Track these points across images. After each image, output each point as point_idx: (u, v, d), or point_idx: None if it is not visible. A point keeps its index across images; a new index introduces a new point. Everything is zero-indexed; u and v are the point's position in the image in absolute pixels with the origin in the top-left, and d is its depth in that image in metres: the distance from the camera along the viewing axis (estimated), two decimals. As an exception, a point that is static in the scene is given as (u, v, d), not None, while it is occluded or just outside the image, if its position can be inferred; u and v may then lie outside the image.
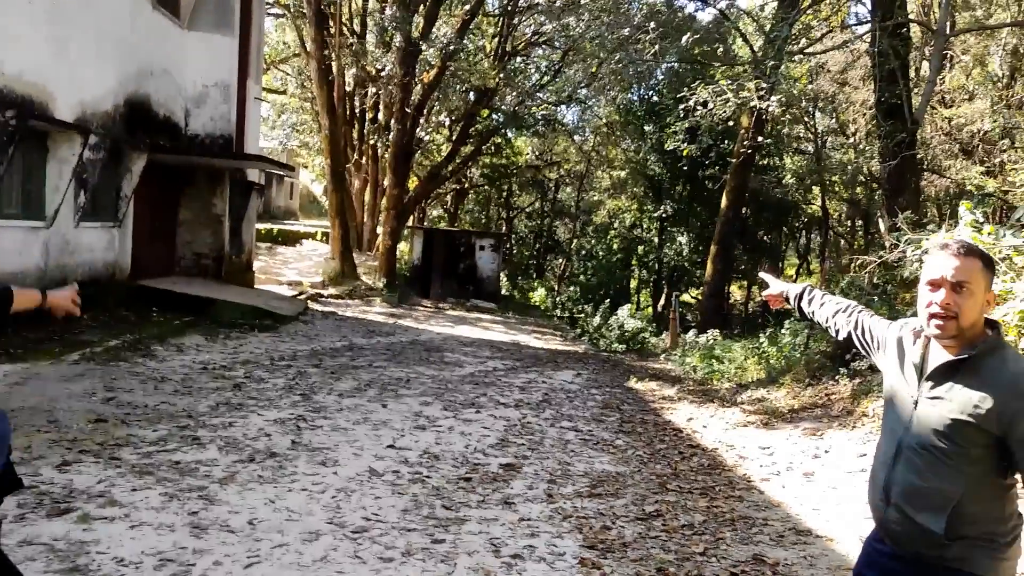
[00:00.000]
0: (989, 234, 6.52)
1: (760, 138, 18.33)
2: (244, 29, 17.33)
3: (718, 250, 22.36)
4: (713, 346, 14.64)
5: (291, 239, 29.45)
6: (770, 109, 12.59)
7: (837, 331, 2.75)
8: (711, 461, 6.85)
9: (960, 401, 2.14)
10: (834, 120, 32.83)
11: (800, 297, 2.94)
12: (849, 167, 26.26)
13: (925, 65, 20.87)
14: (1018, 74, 25.20)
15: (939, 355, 2.24)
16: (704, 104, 12.64)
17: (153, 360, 9.50)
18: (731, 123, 14.34)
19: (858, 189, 33.66)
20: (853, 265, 12.03)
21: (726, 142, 26.23)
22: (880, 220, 34.25)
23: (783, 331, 11.73)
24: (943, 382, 2.20)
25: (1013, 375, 2.10)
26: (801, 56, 18.88)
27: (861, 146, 30.98)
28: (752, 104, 12.73)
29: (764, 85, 12.46)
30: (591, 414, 8.78)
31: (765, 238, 35.83)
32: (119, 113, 12.99)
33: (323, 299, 18.66)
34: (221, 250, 16.58)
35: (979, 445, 2.12)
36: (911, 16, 15.32)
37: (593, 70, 23.74)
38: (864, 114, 27.13)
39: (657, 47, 14.36)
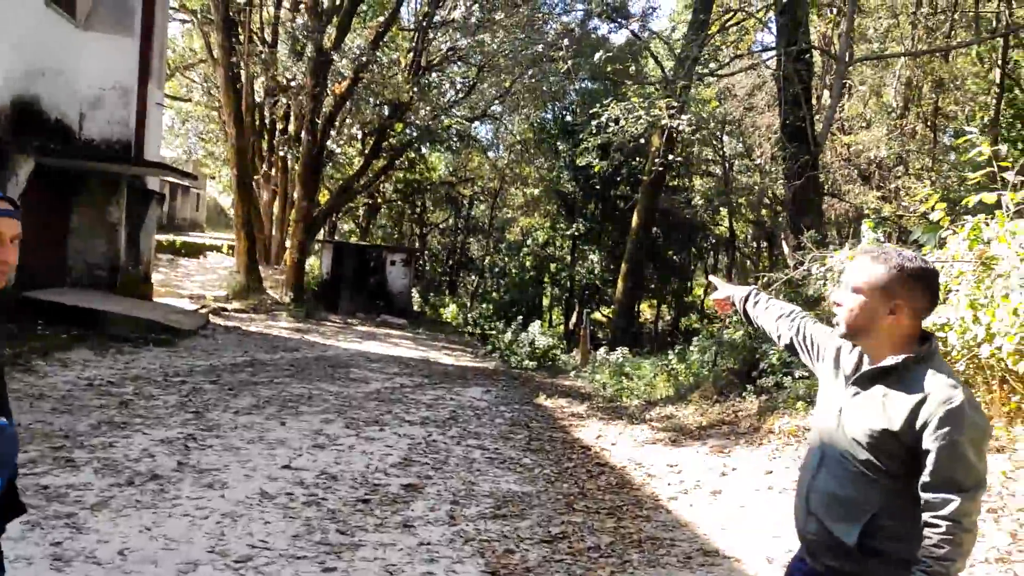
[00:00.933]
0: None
1: (671, 157, 18.55)
2: (146, 31, 16.61)
3: (629, 268, 22.53)
4: (623, 363, 14.63)
5: (195, 251, 28.43)
6: (680, 128, 12.72)
7: (779, 336, 2.64)
8: (619, 480, 6.71)
9: (878, 408, 2.06)
10: (740, 144, 33.72)
11: (746, 300, 2.81)
12: (756, 189, 26.84)
13: (826, 93, 21.58)
14: (912, 104, 26.35)
15: (869, 364, 2.16)
16: (616, 121, 12.68)
17: (33, 376, 8.87)
18: (642, 141, 14.47)
19: (763, 211, 34.61)
20: (759, 283, 12.19)
21: (637, 159, 26.54)
22: (783, 241, 35.24)
23: (691, 348, 11.79)
24: (867, 388, 2.13)
25: (932, 384, 2.00)
26: (711, 78, 19.27)
27: (767, 168, 31.87)
28: (663, 123, 12.85)
29: (675, 104, 12.58)
30: (499, 432, 8.57)
31: (674, 257, 36.45)
32: (4, 115, 12.23)
33: (226, 313, 17.97)
34: (116, 260, 15.78)
35: (895, 456, 2.03)
36: (814, 44, 15.77)
37: (508, 85, 23.72)
38: (769, 138, 27.87)
39: (571, 63, 14.39)
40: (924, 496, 1.98)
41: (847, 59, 14.10)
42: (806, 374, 7.78)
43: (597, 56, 15.56)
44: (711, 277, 3.38)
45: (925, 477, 1.97)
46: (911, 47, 22.30)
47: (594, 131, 14.40)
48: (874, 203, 25.61)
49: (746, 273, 41.86)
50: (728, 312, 3.04)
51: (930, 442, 1.95)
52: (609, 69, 19.81)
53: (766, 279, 9.38)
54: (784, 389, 7.86)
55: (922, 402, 1.99)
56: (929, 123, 25.50)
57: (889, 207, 25.48)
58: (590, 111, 15.10)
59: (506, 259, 37.24)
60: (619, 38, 33.32)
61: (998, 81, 23.30)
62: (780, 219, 34.54)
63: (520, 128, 32.12)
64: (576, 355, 19.36)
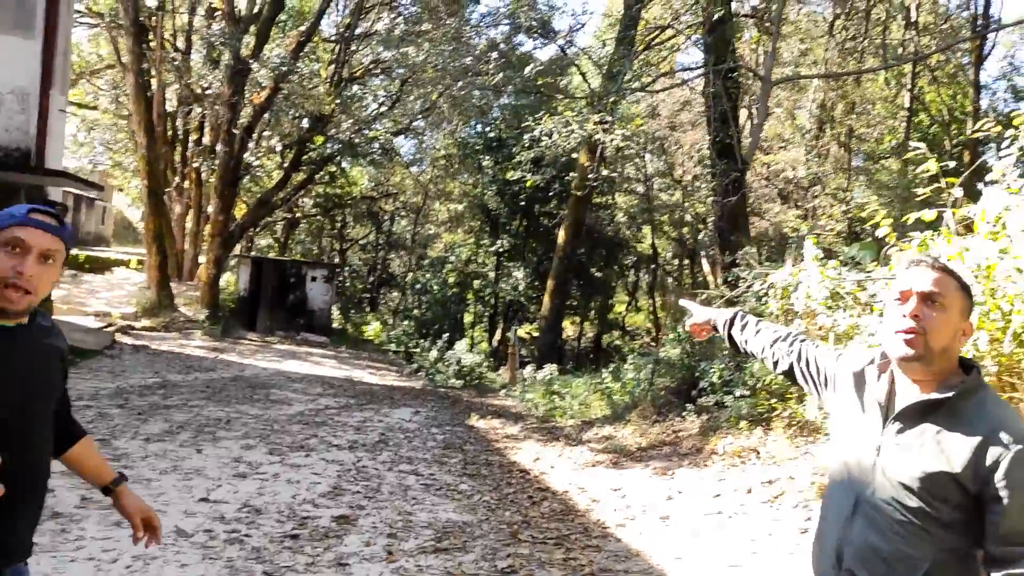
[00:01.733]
0: (834, 268, 6.48)
1: (604, 171, 18.48)
2: (49, 33, 15.66)
3: (555, 285, 22.36)
4: (552, 381, 14.36)
5: (101, 266, 27.06)
6: (613, 143, 12.61)
7: (776, 363, 2.35)
8: (563, 505, 6.39)
9: (934, 448, 1.75)
10: (662, 162, 34.14)
11: (730, 324, 2.53)
12: (680, 206, 27.13)
13: (747, 112, 21.91)
14: (826, 125, 27.07)
15: (909, 394, 1.85)
16: (549, 135, 12.48)
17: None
18: (574, 155, 14.33)
19: (684, 229, 35.09)
20: (697, 300, 12.12)
21: (565, 175, 26.52)
22: (704, 259, 35.79)
23: (627, 366, 11.60)
24: (914, 425, 1.81)
25: (994, 421, 1.72)
26: (639, 94, 19.32)
27: (689, 187, 32.34)
28: (596, 137, 12.72)
29: (608, 118, 12.47)
30: (432, 455, 8.16)
31: (598, 274, 36.55)
32: None
33: (135, 332, 17.03)
34: (13, 276, 14.77)
35: (953, 504, 1.73)
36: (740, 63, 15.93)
37: (434, 97, 23.36)
38: (692, 156, 28.29)
39: (501, 76, 14.16)
40: (991, 550, 1.70)
41: (771, 79, 14.24)
42: (746, 392, 7.63)
43: (528, 69, 15.38)
44: (683, 301, 3.08)
45: (993, 528, 1.68)
46: (824, 71, 22.90)
47: (527, 144, 14.17)
48: (793, 221, 26.19)
49: (668, 290, 42.37)
50: (704, 337, 2.77)
51: (1000, 487, 1.67)
52: (540, 83, 19.65)
53: (705, 296, 9.23)
54: (725, 408, 7.69)
55: (988, 440, 1.70)
56: (843, 144, 26.19)
57: (807, 225, 26.05)
58: (522, 124, 14.91)
59: (428, 276, 36.75)
60: (543, 55, 33.29)
61: (907, 105, 24.09)
62: (701, 236, 35.13)
63: (444, 143, 31.77)
64: (503, 373, 19.04)
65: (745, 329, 2.47)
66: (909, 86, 23.17)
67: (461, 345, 20.81)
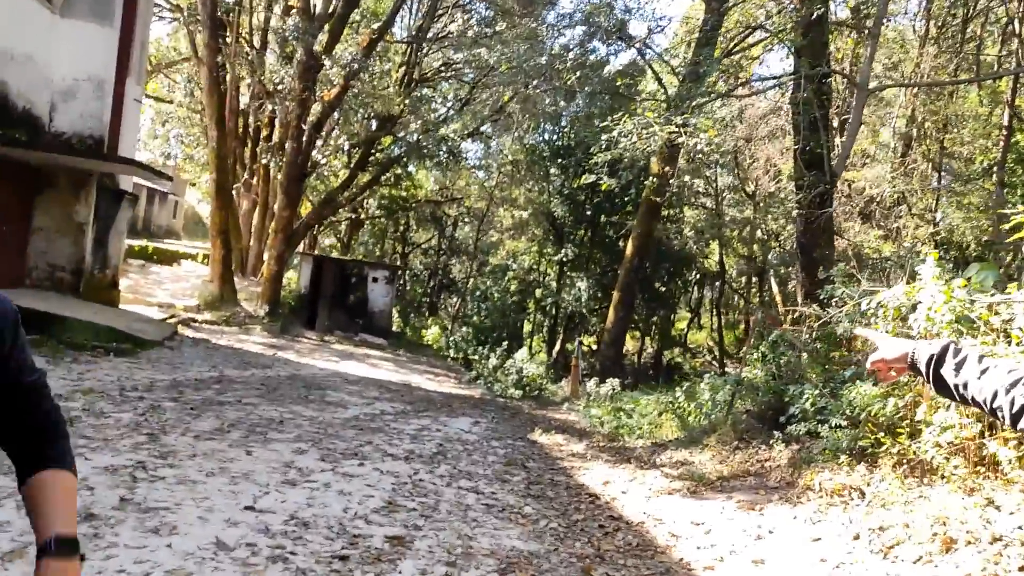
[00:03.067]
0: (961, 288, 5.73)
1: (678, 181, 17.75)
2: (127, 22, 15.66)
3: (621, 297, 21.65)
4: (619, 398, 13.69)
5: (168, 258, 27.26)
6: (698, 148, 11.94)
7: (1019, 415, 1.64)
8: (639, 539, 5.75)
9: None
10: (733, 175, 33.20)
11: (939, 361, 1.83)
12: (756, 221, 26.19)
13: (836, 122, 20.91)
14: (916, 141, 25.83)
15: None
16: (629, 135, 11.86)
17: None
18: (646, 164, 13.69)
19: (755, 246, 34.04)
20: (788, 318, 11.36)
21: (638, 184, 25.77)
22: (772, 278, 34.65)
23: (702, 386, 10.86)
24: None
25: None
26: (717, 103, 18.53)
27: (761, 204, 31.31)
28: (680, 140, 12.07)
29: (692, 121, 11.81)
30: (493, 472, 7.59)
31: (661, 289, 35.67)
32: (-36, 100, 11.24)
33: (196, 324, 16.89)
34: (81, 263, 14.74)
35: None
36: (834, 69, 15.07)
37: (505, 99, 22.93)
38: (768, 171, 27.33)
39: (577, 75, 13.62)
40: None
41: (868, 87, 13.38)
42: (843, 422, 6.90)
43: (607, 69, 14.78)
44: (861, 330, 2.41)
45: None
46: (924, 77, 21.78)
47: (604, 146, 13.57)
48: (874, 242, 25.04)
49: (733, 308, 41.23)
50: (892, 379, 2.06)
51: None
52: (619, 83, 19.00)
53: (796, 314, 8.50)
54: (820, 439, 6.95)
55: None
56: (932, 162, 24.95)
57: (889, 246, 24.88)
58: (598, 127, 14.31)
59: (489, 283, 36.34)
60: (619, 61, 32.61)
61: (1006, 123, 22.77)
62: (772, 255, 34.06)
63: (512, 149, 31.35)
64: (565, 386, 18.39)
65: (964, 368, 1.78)
66: (1009, 100, 21.85)
67: (521, 354, 20.27)
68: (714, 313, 45.76)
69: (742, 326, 41.71)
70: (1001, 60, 23.61)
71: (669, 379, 30.78)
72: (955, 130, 25.53)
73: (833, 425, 6.93)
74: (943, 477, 5.59)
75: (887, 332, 6.28)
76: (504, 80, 20.99)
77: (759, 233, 34.21)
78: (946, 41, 23.17)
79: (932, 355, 1.84)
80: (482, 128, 27.83)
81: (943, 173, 25.25)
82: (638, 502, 6.79)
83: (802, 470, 6.69)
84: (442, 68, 26.82)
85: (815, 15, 13.21)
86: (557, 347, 33.13)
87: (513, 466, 8.00)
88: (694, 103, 12.89)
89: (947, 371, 1.80)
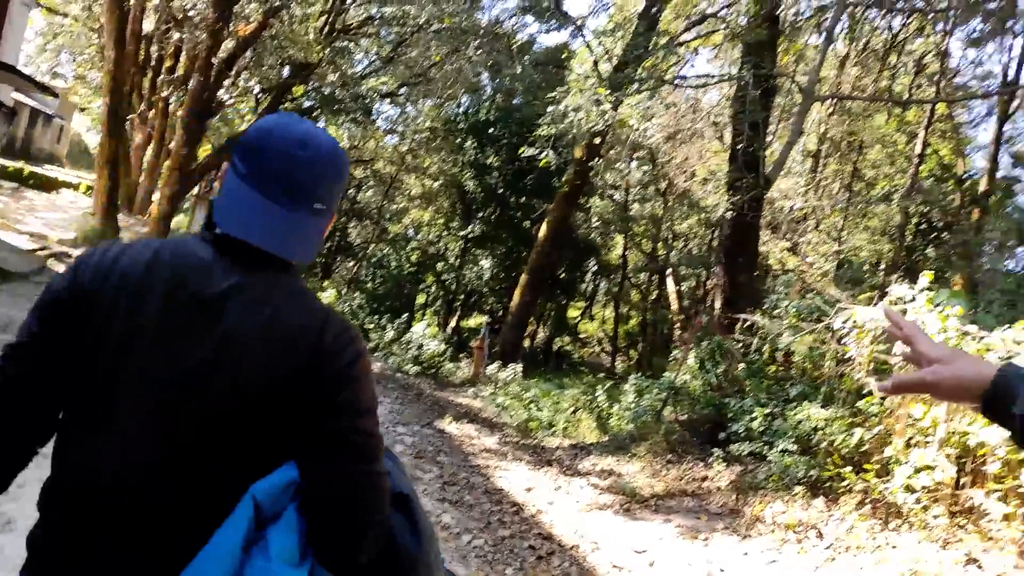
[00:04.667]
0: (956, 317, 5.17)
1: (595, 168, 17.10)
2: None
3: (529, 280, 20.96)
4: (525, 385, 12.95)
5: (47, 185, 24.88)
6: (647, 133, 11.31)
7: None
8: (578, 568, 5.00)
9: None
10: (645, 172, 33.05)
11: (1006, 390, 1.00)
12: (674, 219, 26.02)
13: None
14: (828, 159, 26.12)
15: None
16: (577, 110, 11.08)
17: None
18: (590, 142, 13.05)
19: (659, 244, 34.08)
20: (718, 324, 10.79)
21: (555, 166, 25.10)
22: (669, 278, 34.84)
23: (627, 387, 10.19)
24: None
25: None
26: (649, 93, 17.97)
27: (671, 203, 31.28)
28: (632, 122, 11.40)
29: (648, 103, 11.15)
30: (404, 464, 6.70)
31: (562, 275, 35.31)
32: None
33: (70, 260, 15.18)
34: (-64, 177, 12.94)
35: None
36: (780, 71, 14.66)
37: (437, 58, 21.81)
38: (685, 170, 27.14)
39: (517, 44, 12.75)
40: None
41: (813, 93, 13.03)
42: (792, 447, 6.34)
43: (538, 44, 13.90)
44: (892, 314, 1.25)
45: None
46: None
47: (549, 121, 12.76)
48: (780, 254, 25.19)
49: (631, 304, 41.31)
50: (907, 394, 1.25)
51: None
52: (549, 61, 18.21)
53: (743, 323, 7.93)
54: (767, 463, 6.37)
55: None
56: (842, 181, 25.27)
57: (794, 260, 25.10)
58: (547, 96, 13.50)
59: (388, 250, 35.14)
60: (550, 40, 31.70)
61: (918, 151, 23.18)
62: (672, 255, 34.18)
63: (429, 115, 30.20)
64: (464, 366, 17.56)
65: None
66: (925, 128, 22.25)
67: (421, 328, 19.30)
68: (611, 305, 45.96)
69: (634, 321, 42.04)
70: (912, 90, 24.06)
71: (559, 367, 30.50)
72: (867, 152, 25.97)
73: (781, 450, 6.35)
74: (916, 525, 5.04)
75: (862, 357, 5.74)
76: (440, 39, 19.88)
77: (664, 231, 34.27)
78: (867, 65, 23.34)
79: (998, 382, 1.00)
80: (400, 91, 26.58)
81: (855, 194, 25.59)
82: (568, 517, 6.03)
83: (748, 496, 6.08)
84: (367, 21, 25.38)
85: (768, 12, 12.75)
86: (452, 324, 32.29)
87: (424, 460, 7.13)
88: (632, 88, 12.27)
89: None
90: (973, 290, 18.83)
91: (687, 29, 17.68)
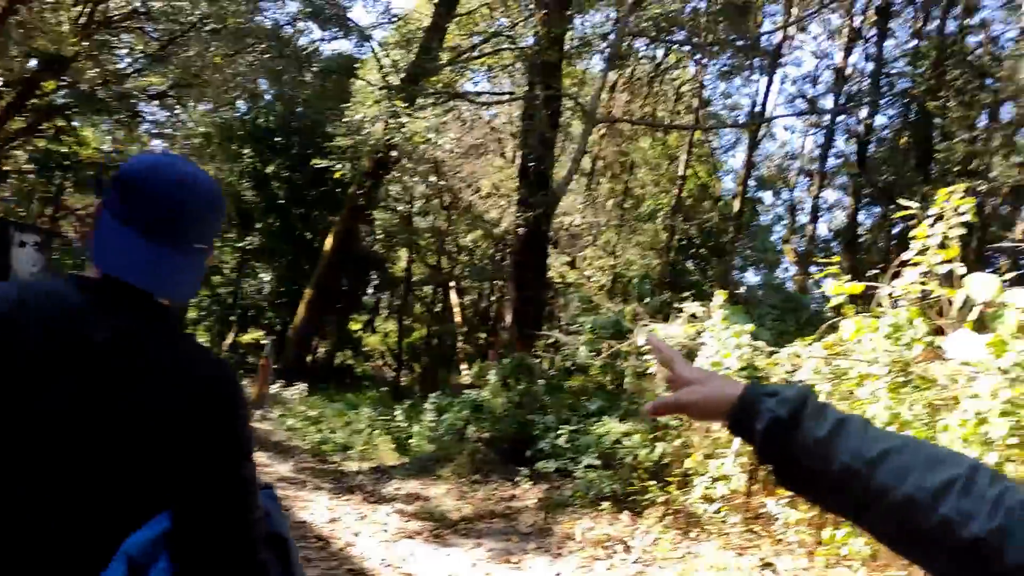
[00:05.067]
0: (749, 333, 5.51)
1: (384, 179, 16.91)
2: None
3: (315, 295, 20.34)
4: (317, 407, 12.46)
5: None
6: (444, 146, 11.27)
7: (939, 539, 0.82)
8: (395, 603, 4.79)
9: None
10: (428, 186, 33.26)
11: (750, 407, 1.02)
12: (457, 233, 26.24)
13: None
14: (601, 178, 27.52)
15: None
16: (372, 121, 10.86)
17: None
18: (379, 155, 12.85)
19: (443, 258, 34.39)
20: (516, 340, 10.88)
21: (329, 184, 24.59)
22: (453, 291, 35.19)
23: (427, 405, 9.98)
24: None
25: None
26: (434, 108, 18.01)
27: (454, 216, 31.65)
28: (423, 136, 11.32)
29: (438, 117, 11.13)
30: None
31: (345, 288, 34.65)
32: None
33: None
34: None
35: None
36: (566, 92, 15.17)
37: (218, 60, 20.65)
38: (470, 184, 27.54)
39: (309, 46, 12.34)
40: None
41: (596, 116, 13.63)
42: (596, 462, 6.50)
43: (322, 52, 13.57)
44: (653, 339, 1.29)
45: None
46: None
47: (344, 131, 12.41)
48: (560, 268, 26.16)
49: (415, 318, 41.25)
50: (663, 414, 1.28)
51: None
52: (351, 65, 17.77)
53: (548, 339, 8.06)
54: (573, 479, 6.48)
55: None
56: (618, 199, 26.68)
57: (573, 274, 26.18)
58: (332, 106, 13.12)
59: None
60: (332, 48, 30.74)
61: (681, 172, 24.95)
62: (459, 268, 34.61)
63: (203, 120, 28.61)
64: (247, 385, 16.64)
65: (846, 441, 0.94)
66: (688, 152, 24.01)
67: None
68: (393, 319, 45.70)
69: (417, 334, 42.09)
70: (672, 116, 25.97)
71: (341, 382, 29.81)
72: (637, 172, 27.62)
73: (586, 465, 6.49)
74: (714, 533, 5.31)
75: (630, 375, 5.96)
76: (220, 40, 18.83)
77: (448, 244, 34.63)
78: (635, 92, 24.82)
79: (780, 415, 0.98)
80: (171, 92, 24.94)
81: (627, 211, 27.08)
82: (378, 548, 5.79)
83: (556, 514, 6.15)
84: (132, 14, 23.59)
85: (556, 36, 13.19)
86: (229, 340, 30.67)
87: (215, 495, 6.60)
88: (427, 101, 12.26)
89: (816, 440, 0.95)
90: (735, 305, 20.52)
91: (474, 47, 17.94)
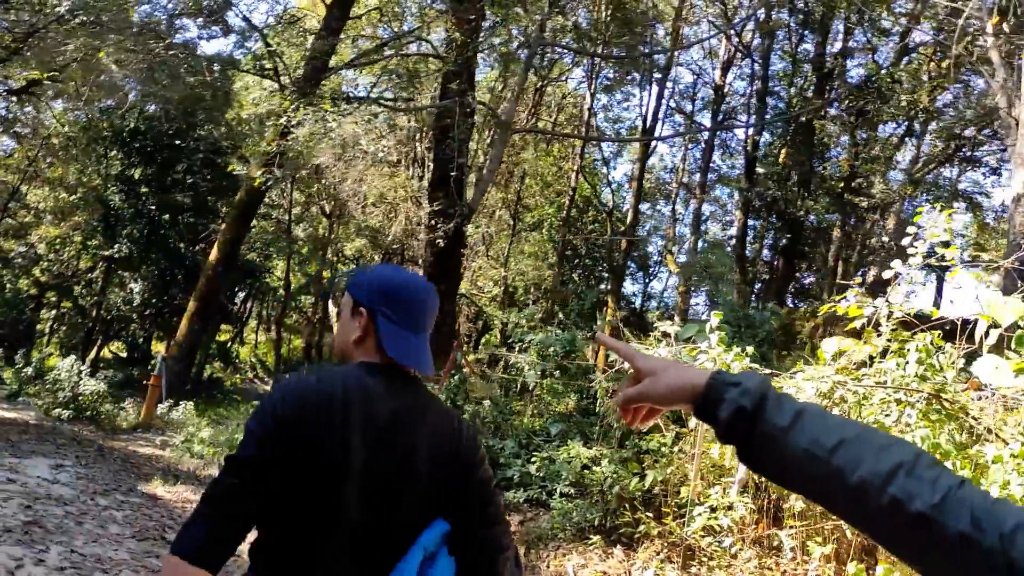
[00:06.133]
0: (751, 356, 5.34)
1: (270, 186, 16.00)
2: None
3: (197, 307, 19.13)
4: (218, 429, 11.53)
5: None
6: (365, 149, 10.69)
7: (890, 516, 0.92)
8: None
9: None
10: (308, 195, 32.42)
11: (717, 395, 1.08)
12: (343, 241, 25.51)
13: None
14: (494, 186, 27.32)
15: None
16: (299, 125, 10.19)
17: None
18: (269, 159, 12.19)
19: (325, 268, 33.43)
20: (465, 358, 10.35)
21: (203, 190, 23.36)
22: (330, 301, 34.17)
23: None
24: None
25: None
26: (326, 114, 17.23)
27: (335, 224, 30.80)
28: (323, 143, 10.80)
29: (331, 122, 10.60)
30: (131, 555, 5.43)
31: (219, 298, 32.96)
32: None
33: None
34: None
35: None
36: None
37: (101, 55, 19.11)
38: (355, 194, 26.73)
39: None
40: None
41: (511, 125, 13.38)
42: (569, 491, 6.20)
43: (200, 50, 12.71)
44: (607, 340, 1.40)
45: None
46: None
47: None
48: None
49: (291, 328, 39.81)
50: (647, 426, 1.29)
51: None
52: (236, 66, 16.79)
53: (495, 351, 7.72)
54: (546, 510, 6.12)
55: None
56: (511, 210, 26.54)
57: (465, 284, 25.83)
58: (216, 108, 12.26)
59: (3, 272, 30.19)
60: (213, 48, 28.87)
61: (573, 184, 25.09)
62: (338, 277, 33.71)
63: (62, 118, 26.60)
64: (130, 407, 15.36)
65: (803, 429, 1.01)
66: (579, 164, 24.17)
67: (68, 362, 16.60)
68: (262, 329, 44.02)
69: (296, 343, 40.75)
70: (555, 127, 26.19)
71: (211, 396, 28.19)
72: (527, 182, 27.61)
73: (561, 494, 6.18)
74: (718, 566, 5.10)
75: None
76: (87, 33, 17.41)
77: (330, 254, 33.65)
78: (524, 102, 24.85)
79: (751, 401, 1.05)
80: (30, 89, 23.01)
81: (515, 220, 26.98)
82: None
83: (540, 550, 5.79)
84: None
85: (468, 44, 12.87)
86: (93, 354, 28.49)
87: (151, 542, 5.87)
88: (326, 104, 11.71)
89: (777, 429, 1.03)
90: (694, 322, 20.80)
91: (373, 50, 17.32)
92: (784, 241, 20.61)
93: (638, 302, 33.25)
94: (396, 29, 16.95)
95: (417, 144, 25.05)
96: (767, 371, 5.30)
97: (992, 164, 18.49)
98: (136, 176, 27.50)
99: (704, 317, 22.19)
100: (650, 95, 23.82)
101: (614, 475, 5.72)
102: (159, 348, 34.36)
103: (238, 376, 39.90)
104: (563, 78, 25.41)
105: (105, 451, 9.60)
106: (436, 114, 13.87)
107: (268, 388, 39.15)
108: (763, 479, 5.09)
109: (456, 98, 12.54)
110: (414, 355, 1.78)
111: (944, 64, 17.84)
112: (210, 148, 25.95)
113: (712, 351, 5.37)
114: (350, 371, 1.75)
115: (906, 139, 18.42)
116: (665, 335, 6.36)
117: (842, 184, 18.81)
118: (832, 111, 20.77)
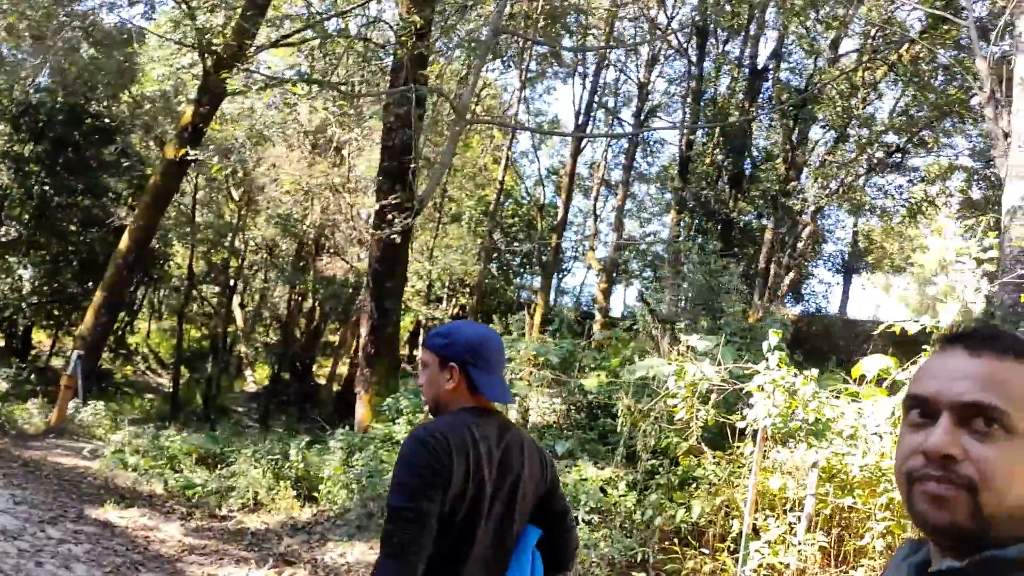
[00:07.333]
0: (817, 380, 4.96)
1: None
2: None
3: (105, 298, 17.71)
4: (159, 436, 10.48)
5: None
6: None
7: None
8: None
9: None
10: (216, 182, 30.78)
11: None
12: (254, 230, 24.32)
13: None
14: (418, 176, 26.53)
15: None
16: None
17: None
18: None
19: (233, 258, 31.88)
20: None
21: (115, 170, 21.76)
22: (236, 296, 32.92)
23: (333, 444, 8.46)
24: None
25: None
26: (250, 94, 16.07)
27: (245, 212, 29.39)
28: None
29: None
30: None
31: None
32: None
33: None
34: None
35: None
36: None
37: None
38: (275, 179, 25.49)
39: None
40: None
41: (467, 117, 12.78)
42: (591, 518, 5.72)
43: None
44: None
45: None
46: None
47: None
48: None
49: (189, 319, 37.83)
50: None
51: None
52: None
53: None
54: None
55: None
56: (436, 204, 25.80)
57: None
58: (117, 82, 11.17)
59: None
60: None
61: (500, 177, 24.60)
62: (244, 268, 32.25)
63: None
64: (34, 408, 13.94)
65: None
66: (506, 157, 23.71)
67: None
68: (156, 319, 41.83)
69: (195, 333, 38.91)
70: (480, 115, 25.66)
71: (101, 389, 26.33)
72: (453, 176, 26.94)
73: (582, 520, 5.69)
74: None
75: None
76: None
77: (238, 242, 32.07)
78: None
79: None
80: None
81: (440, 213, 26.27)
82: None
83: (574, 586, 5.28)
84: None
85: (417, 28, 12.15)
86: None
87: (123, 580, 5.07)
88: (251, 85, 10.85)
89: None
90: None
91: (295, 32, 16.22)
92: (715, 243, 20.66)
93: (551, 298, 33.05)
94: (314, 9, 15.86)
95: (336, 130, 23.98)
96: (823, 395, 4.95)
97: (923, 172, 19.04)
98: (25, 153, 25.50)
99: (625, 315, 22.04)
100: (584, 88, 23.50)
101: (656, 505, 5.27)
102: (40, 338, 32.19)
103: (129, 367, 37.68)
104: (487, 69, 24.86)
105: (32, 466, 8.51)
106: (386, 103, 13.09)
107: (163, 381, 37.49)
108: (832, 514, 4.73)
109: (412, 84, 11.82)
110: (501, 393, 2.18)
111: (880, 72, 18.18)
112: (109, 126, 24.19)
113: (770, 372, 4.97)
114: (462, 419, 2.08)
115: (838, 144, 18.68)
116: (691, 348, 5.94)
117: (777, 187, 18.93)
118: (762, 115, 20.93)
